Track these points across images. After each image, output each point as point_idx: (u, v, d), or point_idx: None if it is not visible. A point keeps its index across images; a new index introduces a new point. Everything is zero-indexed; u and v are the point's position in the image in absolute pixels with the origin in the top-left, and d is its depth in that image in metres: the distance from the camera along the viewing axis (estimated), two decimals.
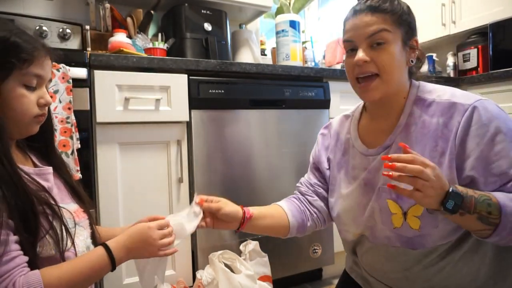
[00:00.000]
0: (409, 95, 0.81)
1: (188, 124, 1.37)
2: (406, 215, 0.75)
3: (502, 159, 0.69)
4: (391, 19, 0.76)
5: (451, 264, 0.76)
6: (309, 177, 1.01)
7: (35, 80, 0.69)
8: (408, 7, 0.81)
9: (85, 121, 1.20)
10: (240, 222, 0.88)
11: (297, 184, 1.03)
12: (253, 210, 0.91)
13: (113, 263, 0.69)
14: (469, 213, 0.64)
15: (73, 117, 1.15)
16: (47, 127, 0.79)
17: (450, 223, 0.73)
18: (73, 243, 0.71)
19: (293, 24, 1.79)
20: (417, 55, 0.83)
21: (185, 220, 0.82)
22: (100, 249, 0.70)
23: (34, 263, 0.64)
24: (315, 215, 0.96)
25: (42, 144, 0.79)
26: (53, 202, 0.69)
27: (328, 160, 0.96)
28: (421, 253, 0.77)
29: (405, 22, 0.78)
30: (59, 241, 0.67)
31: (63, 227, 0.69)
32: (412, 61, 0.80)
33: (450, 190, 0.63)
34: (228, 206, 0.88)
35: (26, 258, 0.62)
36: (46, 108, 0.74)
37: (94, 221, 0.84)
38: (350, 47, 0.80)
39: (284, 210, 0.93)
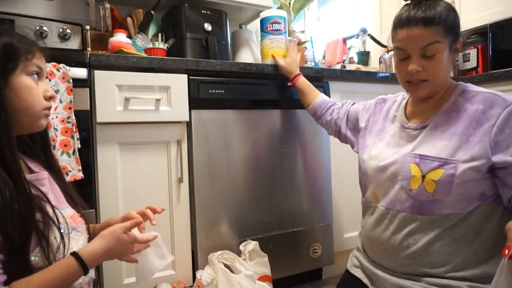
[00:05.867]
0: (456, 89, 0.90)
1: (188, 124, 1.37)
2: (424, 177, 0.82)
3: None
4: (442, 30, 0.84)
5: (450, 237, 0.82)
6: (338, 112, 1.26)
7: (37, 69, 0.72)
8: (453, 10, 0.87)
9: (85, 121, 1.20)
10: (296, 74, 1.44)
11: (333, 103, 1.33)
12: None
13: (84, 268, 0.69)
14: None
15: (73, 116, 1.15)
16: (44, 133, 0.80)
17: (461, 195, 0.80)
18: (68, 249, 0.71)
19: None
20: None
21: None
22: (70, 260, 0.68)
23: (27, 274, 0.64)
24: (330, 119, 1.29)
25: (41, 150, 0.80)
26: (49, 208, 0.70)
27: (367, 121, 1.10)
28: (428, 220, 0.83)
29: (453, 30, 0.85)
30: (49, 252, 0.67)
31: (57, 234, 0.69)
32: (457, 61, 0.89)
33: None
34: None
35: (4, 278, 0.62)
36: (52, 102, 0.76)
37: (89, 226, 0.84)
38: (403, 55, 0.88)
39: (319, 93, 1.39)
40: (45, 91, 0.73)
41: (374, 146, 1.00)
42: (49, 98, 0.74)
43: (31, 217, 0.65)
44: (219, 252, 1.23)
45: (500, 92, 0.85)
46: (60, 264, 0.67)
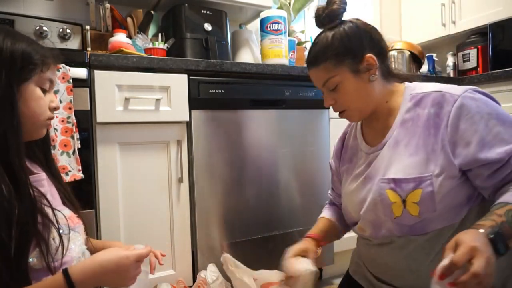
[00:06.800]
0: (404, 94, 0.85)
1: (188, 124, 1.37)
2: (405, 202, 0.78)
3: (500, 142, 0.72)
4: (331, 64, 0.83)
5: None
6: (334, 185, 1.10)
7: (48, 84, 0.73)
8: (346, 31, 0.83)
9: (85, 121, 1.20)
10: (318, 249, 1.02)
11: (328, 195, 1.14)
12: (318, 234, 1.04)
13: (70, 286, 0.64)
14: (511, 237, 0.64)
15: (73, 116, 1.15)
16: (46, 136, 0.80)
17: (448, 207, 0.76)
18: (67, 250, 0.70)
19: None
20: (381, 61, 0.85)
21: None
22: (59, 277, 0.64)
23: (23, 277, 0.63)
24: None
25: (41, 153, 0.80)
26: (48, 210, 0.69)
27: (340, 167, 1.03)
28: (424, 239, 0.79)
29: (347, 55, 0.82)
30: (48, 253, 0.66)
31: (56, 235, 0.69)
32: (372, 77, 0.83)
33: (490, 237, 0.62)
34: (309, 253, 0.99)
35: None
36: (54, 112, 0.77)
37: (87, 227, 0.84)
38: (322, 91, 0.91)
39: (332, 221, 1.06)
40: (51, 102, 0.74)
41: (346, 182, 0.95)
42: (53, 109, 0.75)
43: (33, 225, 0.65)
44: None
45: (447, 86, 0.81)
46: (49, 282, 0.64)
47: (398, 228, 0.81)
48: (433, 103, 0.79)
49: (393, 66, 2.10)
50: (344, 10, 0.86)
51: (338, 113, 0.90)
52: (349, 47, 0.82)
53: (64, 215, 0.74)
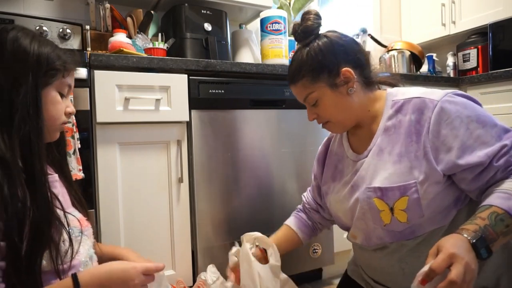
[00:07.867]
0: (386, 101, 0.86)
1: (188, 124, 1.37)
2: (393, 210, 0.78)
3: (481, 145, 0.72)
4: (308, 80, 0.84)
5: None
6: (312, 192, 1.12)
7: (67, 89, 0.75)
8: (320, 47, 0.84)
9: (85, 121, 1.20)
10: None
11: (303, 198, 1.15)
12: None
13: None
14: (495, 240, 0.65)
15: (73, 116, 1.15)
16: (61, 138, 0.82)
17: (436, 211, 0.77)
18: (76, 253, 0.71)
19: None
20: (361, 65, 0.85)
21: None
22: (68, 282, 0.64)
23: (33, 279, 0.63)
24: (319, 225, 1.12)
25: (57, 154, 0.82)
26: (60, 212, 0.70)
27: (322, 173, 1.04)
28: (415, 243, 0.80)
29: (322, 71, 0.82)
30: (57, 255, 0.66)
31: (66, 237, 0.69)
32: (351, 90, 0.83)
33: (473, 242, 0.63)
34: None
35: (2, 286, 0.61)
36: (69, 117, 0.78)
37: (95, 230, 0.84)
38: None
39: (294, 230, 1.09)
40: (67, 107, 0.76)
41: (335, 190, 0.95)
42: (69, 114, 0.76)
43: (48, 231, 0.65)
44: (256, 235, 1.15)
45: (427, 90, 0.81)
46: (54, 286, 0.64)
47: (388, 234, 0.82)
48: (413, 109, 0.79)
49: (393, 68, 2.11)
50: (319, 25, 0.87)
51: (321, 125, 0.91)
52: (324, 63, 0.82)
53: (76, 217, 0.74)
